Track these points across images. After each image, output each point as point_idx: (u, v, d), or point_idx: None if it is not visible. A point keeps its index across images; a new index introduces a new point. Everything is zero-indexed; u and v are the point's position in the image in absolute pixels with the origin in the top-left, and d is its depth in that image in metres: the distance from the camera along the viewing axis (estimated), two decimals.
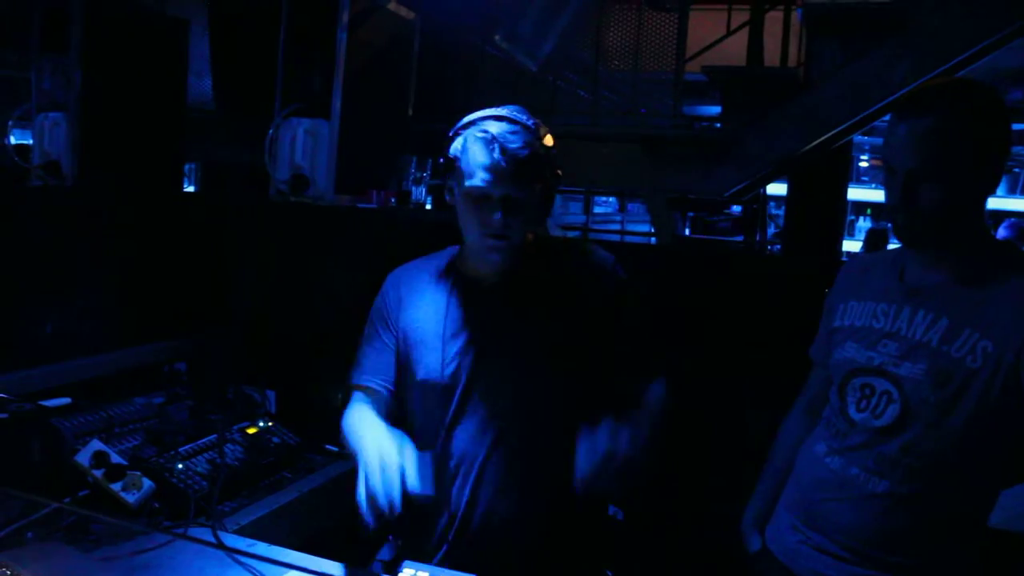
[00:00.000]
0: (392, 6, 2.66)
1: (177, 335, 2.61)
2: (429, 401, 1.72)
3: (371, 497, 1.44)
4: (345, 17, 2.38)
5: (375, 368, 1.82)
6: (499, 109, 1.67)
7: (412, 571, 1.54)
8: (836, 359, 1.72)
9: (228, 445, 2.11)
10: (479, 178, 1.61)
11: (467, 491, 1.68)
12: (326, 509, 2.20)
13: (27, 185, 2.85)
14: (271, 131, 2.43)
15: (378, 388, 1.81)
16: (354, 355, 2.44)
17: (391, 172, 2.65)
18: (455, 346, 1.70)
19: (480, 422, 1.69)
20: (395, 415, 1.79)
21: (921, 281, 1.61)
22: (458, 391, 1.69)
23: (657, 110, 3.53)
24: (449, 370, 1.69)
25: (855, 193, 8.00)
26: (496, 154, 1.59)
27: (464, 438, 1.69)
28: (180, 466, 1.95)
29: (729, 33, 3.74)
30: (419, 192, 2.72)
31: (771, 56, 4.06)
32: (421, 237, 2.88)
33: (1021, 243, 6.36)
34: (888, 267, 1.70)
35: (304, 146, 2.42)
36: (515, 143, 1.61)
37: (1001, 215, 7.37)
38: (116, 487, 1.81)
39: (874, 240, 7.31)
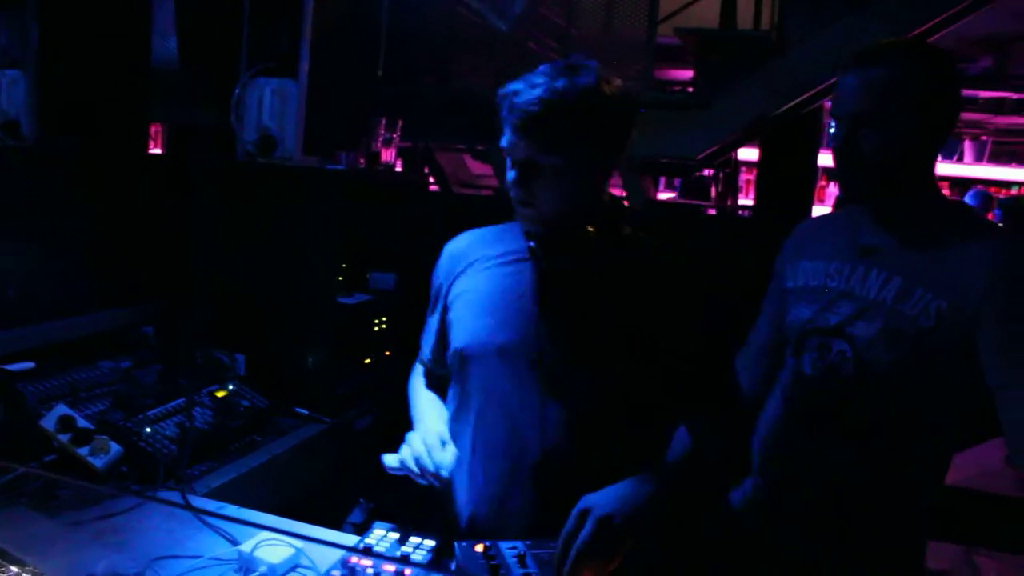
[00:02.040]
0: None
1: (144, 299, 2.57)
2: (472, 373, 1.65)
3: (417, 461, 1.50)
4: None
5: (427, 337, 1.82)
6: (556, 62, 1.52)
7: (383, 531, 1.54)
8: (791, 320, 1.73)
9: (197, 409, 2.10)
10: (503, 138, 1.53)
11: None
12: (297, 472, 2.20)
13: None
14: (237, 91, 2.38)
15: (426, 358, 1.82)
16: (323, 317, 2.44)
17: (360, 133, 2.61)
18: (509, 313, 1.62)
19: (530, 403, 1.58)
20: (445, 388, 1.77)
21: (874, 240, 1.63)
22: (511, 362, 1.59)
23: (629, 74, 3.50)
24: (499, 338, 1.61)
25: (826, 159, 8.03)
26: (504, 110, 1.50)
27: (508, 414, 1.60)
28: (148, 430, 1.93)
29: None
30: (388, 154, 2.68)
31: (745, 19, 4.04)
32: (391, 199, 2.86)
33: (986, 211, 6.46)
34: (841, 226, 1.71)
35: (272, 107, 2.37)
36: (526, 96, 1.47)
37: (968, 183, 7.47)
38: (83, 452, 1.79)
39: (841, 205, 7.36)
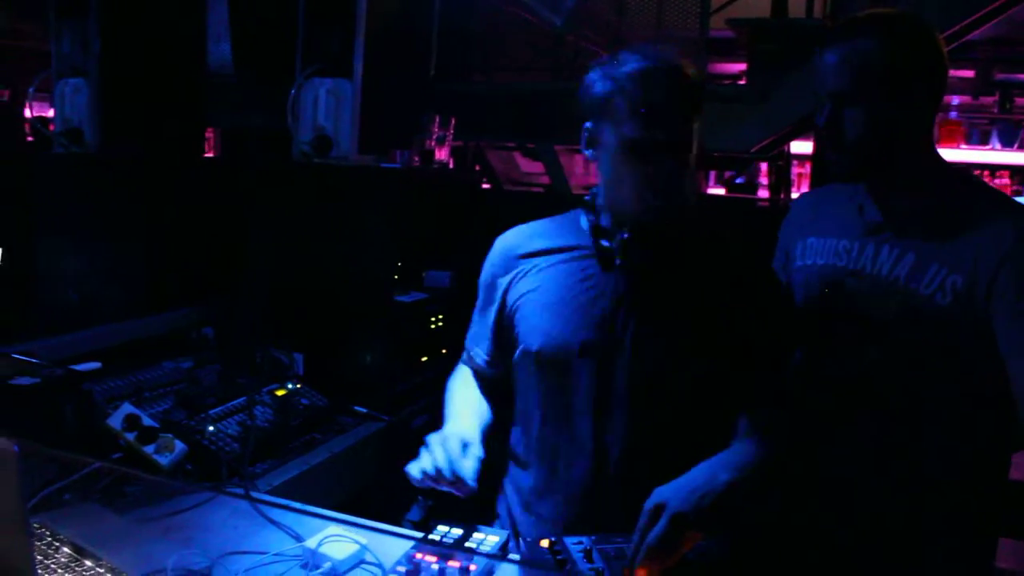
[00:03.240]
0: None
1: (203, 301, 2.61)
2: (548, 374, 1.63)
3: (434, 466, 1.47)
4: None
5: (478, 337, 1.79)
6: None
7: (446, 527, 1.54)
8: (803, 300, 1.68)
9: (258, 408, 2.12)
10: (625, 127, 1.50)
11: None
12: (356, 470, 2.21)
13: (50, 153, 2.84)
14: (293, 91, 2.40)
15: (478, 359, 1.79)
16: (380, 315, 2.43)
17: (414, 131, 2.62)
18: (589, 313, 1.59)
19: (615, 402, 1.57)
20: (500, 388, 1.76)
21: (882, 216, 1.58)
22: (591, 361, 1.57)
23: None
24: (580, 337, 1.58)
25: None
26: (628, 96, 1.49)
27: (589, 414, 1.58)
28: (211, 428, 1.95)
29: None
30: (442, 152, 2.69)
31: (796, 9, 3.97)
32: (445, 197, 2.87)
33: None
34: (845, 201, 1.66)
35: (327, 106, 2.39)
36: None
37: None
38: (149, 449, 1.82)
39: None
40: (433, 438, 1.53)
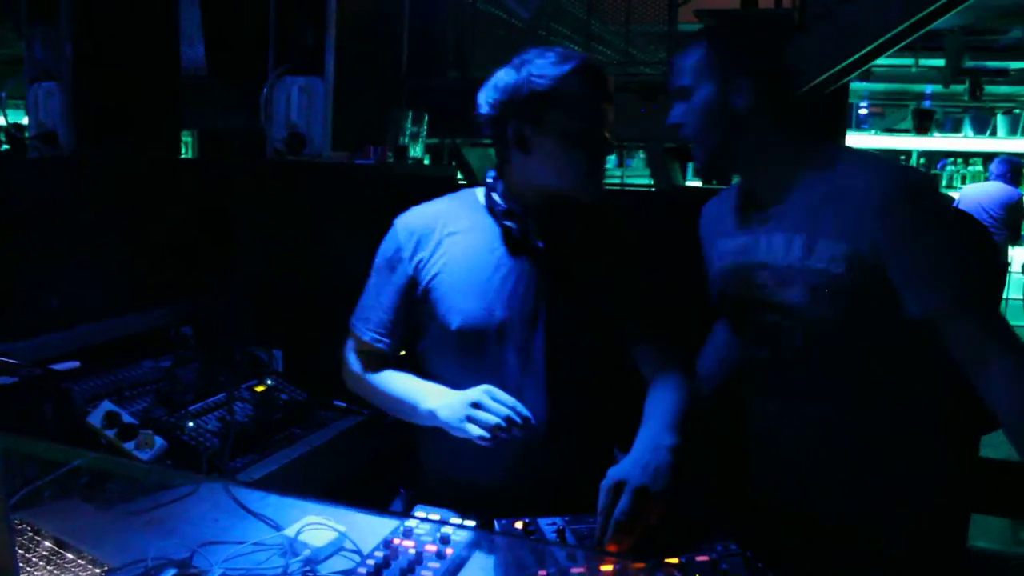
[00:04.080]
0: None
1: (182, 299, 2.63)
2: (467, 350, 1.72)
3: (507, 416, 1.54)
4: None
5: (377, 318, 1.83)
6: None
7: (423, 514, 1.57)
8: (721, 300, 1.75)
9: (237, 403, 2.14)
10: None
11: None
12: (337, 463, 2.24)
13: (25, 157, 2.85)
14: (265, 90, 2.42)
15: (380, 342, 1.83)
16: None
17: (387, 128, 2.65)
18: (503, 290, 1.71)
19: (531, 370, 1.70)
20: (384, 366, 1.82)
21: (765, 207, 1.65)
22: (508, 336, 1.70)
23: (651, 62, 3.51)
24: (498, 315, 1.70)
25: (855, 140, 7.96)
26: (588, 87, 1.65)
27: (511, 387, 1.67)
28: (191, 424, 1.98)
29: None
30: (416, 148, 2.71)
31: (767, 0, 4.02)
32: (421, 193, 2.89)
33: (1015, 179, 6.39)
34: (736, 199, 1.76)
35: (299, 104, 2.41)
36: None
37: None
38: (129, 446, 1.84)
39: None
40: (461, 402, 1.60)
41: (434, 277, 1.74)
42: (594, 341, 1.74)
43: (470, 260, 1.73)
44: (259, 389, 2.22)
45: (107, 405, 1.88)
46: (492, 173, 1.80)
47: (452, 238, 1.76)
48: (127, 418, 1.88)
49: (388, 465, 2.43)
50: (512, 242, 1.72)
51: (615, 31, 3.54)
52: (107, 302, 2.51)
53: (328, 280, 2.50)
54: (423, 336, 1.80)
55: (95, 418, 1.85)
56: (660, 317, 1.78)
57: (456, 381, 1.69)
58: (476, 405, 1.57)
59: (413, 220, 1.82)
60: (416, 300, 1.77)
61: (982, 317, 1.46)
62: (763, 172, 1.64)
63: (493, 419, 1.54)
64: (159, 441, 1.87)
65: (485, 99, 1.71)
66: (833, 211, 1.53)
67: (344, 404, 2.38)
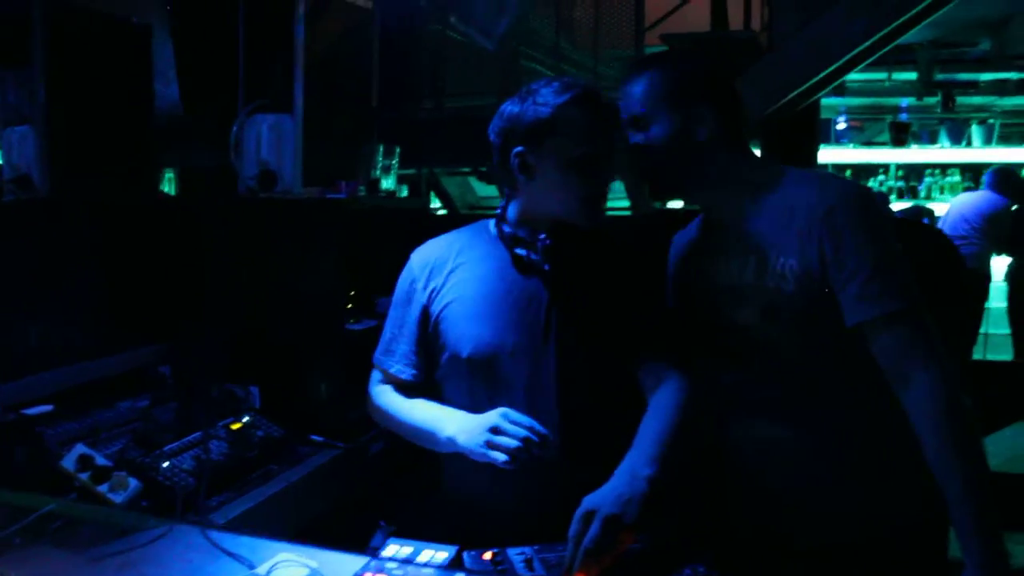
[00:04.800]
0: None
1: (159, 339, 2.62)
2: (479, 376, 1.75)
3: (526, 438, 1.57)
4: (301, 10, 2.38)
5: (400, 351, 1.88)
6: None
7: (396, 547, 1.57)
8: (690, 328, 1.77)
9: (213, 442, 2.14)
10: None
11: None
12: (315, 498, 2.24)
13: (0, 201, 2.85)
14: (235, 129, 2.44)
15: (404, 373, 1.88)
16: (333, 345, 2.47)
17: (358, 162, 2.66)
18: (513, 316, 1.74)
19: (543, 393, 1.72)
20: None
21: (719, 232, 1.69)
22: (520, 361, 1.72)
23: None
24: (509, 341, 1.73)
25: (833, 155, 8.04)
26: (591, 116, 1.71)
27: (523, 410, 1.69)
28: (166, 464, 1.97)
29: (684, 1, 3.75)
30: (388, 180, 2.73)
31: (735, 21, 4.07)
32: (396, 224, 2.91)
33: (1005, 188, 6.45)
34: (694, 231, 1.82)
35: (269, 142, 2.42)
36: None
37: (979, 168, 7.45)
38: (103, 489, 1.83)
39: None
40: (480, 427, 1.62)
41: (446, 306, 1.79)
42: (603, 362, 1.77)
43: (480, 287, 1.77)
44: (235, 427, 2.22)
45: (80, 448, 1.88)
46: (504, 202, 1.85)
47: (464, 267, 1.81)
48: (101, 460, 1.87)
49: (368, 499, 2.43)
50: (521, 267, 1.76)
51: (585, 56, 3.58)
52: (84, 344, 2.50)
53: (303, 315, 2.51)
54: (438, 364, 1.84)
55: (68, 462, 1.85)
56: (660, 339, 1.79)
57: (471, 407, 1.73)
58: (495, 430, 1.59)
59: (427, 251, 1.89)
60: (431, 328, 1.82)
61: (909, 331, 1.49)
62: (718, 195, 1.67)
63: (513, 442, 1.56)
64: (133, 482, 1.86)
65: (492, 128, 1.79)
66: (782, 226, 1.56)
67: (321, 439, 2.38)
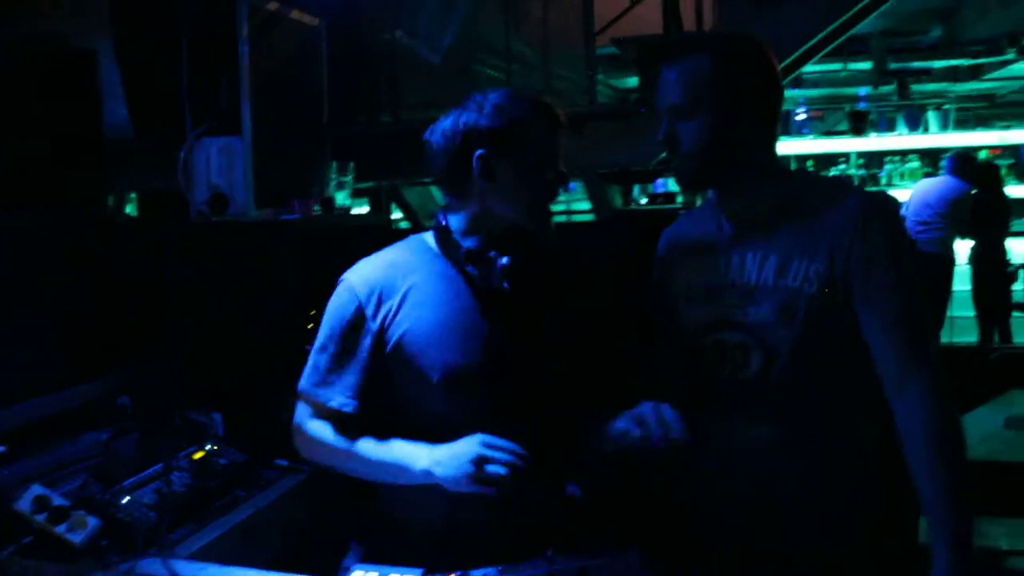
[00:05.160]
0: (295, 15, 2.64)
1: (117, 370, 2.58)
2: (448, 400, 1.68)
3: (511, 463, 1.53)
4: (244, 30, 2.36)
5: (341, 384, 1.74)
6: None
7: (362, 572, 1.55)
8: (684, 324, 1.75)
9: (175, 473, 2.10)
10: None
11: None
12: (282, 522, 2.20)
13: None
14: (182, 154, 2.41)
15: (347, 406, 1.74)
16: (293, 367, 2.41)
17: (312, 180, 2.64)
18: (477, 336, 1.70)
19: (518, 415, 1.68)
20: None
21: (738, 226, 1.66)
22: (490, 381, 1.68)
23: (579, 85, 3.53)
24: (476, 362, 1.68)
25: (794, 146, 8.09)
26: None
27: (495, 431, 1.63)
28: (126, 500, 1.93)
29: (635, 2, 3.74)
30: (343, 197, 2.71)
31: (689, 22, 4.08)
32: (352, 241, 2.88)
33: (964, 173, 6.54)
34: (704, 221, 1.76)
35: (219, 165, 2.40)
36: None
37: (936, 153, 7.56)
38: (60, 529, 1.79)
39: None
40: (467, 454, 1.57)
41: (405, 333, 1.68)
42: (570, 382, 1.73)
43: (439, 312, 1.68)
44: (197, 456, 2.19)
45: (36, 489, 1.83)
46: (440, 215, 1.77)
47: (416, 290, 1.70)
48: (57, 500, 1.83)
49: (338, 519, 2.40)
50: (475, 286, 1.70)
51: (536, 56, 3.57)
52: (38, 378, 2.45)
53: (263, 338, 2.48)
54: (397, 391, 1.72)
55: (24, 504, 1.80)
56: (628, 357, 1.79)
57: (438, 431, 1.64)
58: (480, 459, 1.54)
59: (367, 274, 1.75)
60: (386, 356, 1.70)
61: (912, 339, 1.53)
62: (740, 191, 1.65)
63: (502, 470, 1.52)
64: (92, 521, 1.82)
65: (443, 133, 1.71)
66: (810, 231, 1.56)
67: (286, 463, 2.35)
